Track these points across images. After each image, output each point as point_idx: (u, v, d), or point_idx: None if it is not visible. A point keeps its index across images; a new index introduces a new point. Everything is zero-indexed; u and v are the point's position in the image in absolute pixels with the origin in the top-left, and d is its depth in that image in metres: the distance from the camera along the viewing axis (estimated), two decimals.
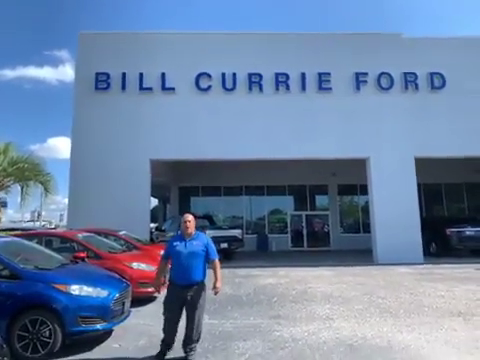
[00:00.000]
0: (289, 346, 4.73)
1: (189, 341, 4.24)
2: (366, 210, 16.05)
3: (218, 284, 4.32)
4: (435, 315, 6.01)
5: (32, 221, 38.90)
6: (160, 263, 4.59)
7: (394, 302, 6.93)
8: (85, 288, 4.73)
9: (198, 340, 4.33)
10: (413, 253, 12.46)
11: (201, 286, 4.27)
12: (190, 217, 4.39)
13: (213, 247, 4.41)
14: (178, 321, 4.26)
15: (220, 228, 14.98)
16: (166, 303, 4.27)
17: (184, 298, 4.16)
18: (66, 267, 5.43)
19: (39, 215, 38.48)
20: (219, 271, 4.37)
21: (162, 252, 4.73)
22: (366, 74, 13.75)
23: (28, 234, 8.37)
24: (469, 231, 13.89)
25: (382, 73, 13.80)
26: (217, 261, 4.40)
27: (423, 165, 13.54)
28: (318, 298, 7.36)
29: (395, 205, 12.83)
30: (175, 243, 4.32)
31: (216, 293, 4.35)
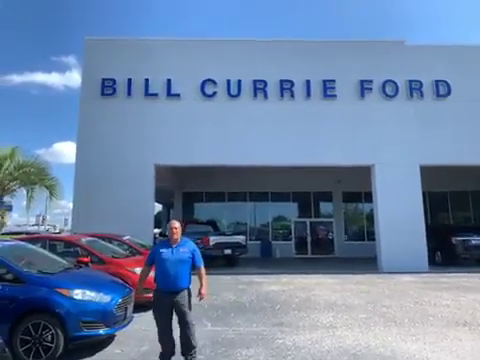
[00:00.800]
0: (292, 354, 4.69)
1: (187, 348, 4.18)
2: (371, 218, 15.98)
3: (203, 290, 4.28)
4: (440, 325, 5.94)
5: (37, 225, 39.06)
6: (143, 269, 4.53)
7: (398, 311, 6.86)
8: (88, 293, 4.73)
9: (195, 346, 4.23)
10: (418, 261, 12.35)
11: (186, 292, 4.24)
12: (177, 224, 4.37)
13: (199, 254, 4.40)
14: (170, 330, 4.20)
15: (224, 234, 14.95)
16: (155, 312, 4.23)
17: (171, 304, 4.13)
18: (69, 272, 5.44)
19: (44, 219, 38.68)
20: (205, 278, 4.36)
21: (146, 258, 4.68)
22: (371, 81, 13.76)
23: (32, 238, 8.40)
24: (475, 240, 13.75)
25: (387, 81, 13.80)
26: (203, 268, 4.37)
27: (428, 173, 13.47)
28: (321, 306, 7.30)
29: (400, 213, 12.75)
30: (161, 250, 4.28)
31: (200, 299, 4.28)
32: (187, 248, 4.31)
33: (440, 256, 14.15)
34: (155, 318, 4.22)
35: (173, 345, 4.23)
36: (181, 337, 4.19)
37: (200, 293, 4.27)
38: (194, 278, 4.41)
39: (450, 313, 6.67)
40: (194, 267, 4.33)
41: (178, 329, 4.21)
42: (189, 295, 4.28)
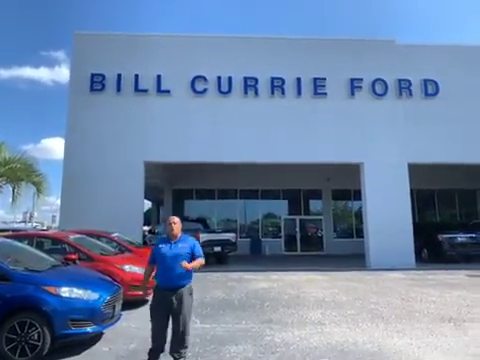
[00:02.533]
0: (280, 351, 4.72)
1: (176, 347, 4.12)
2: (359, 215, 16.14)
3: (190, 264, 4.05)
4: (426, 321, 6.04)
5: (24, 222, 38.50)
6: (146, 267, 4.50)
7: (386, 307, 6.95)
8: (75, 290, 4.68)
9: (186, 346, 4.19)
10: (405, 258, 12.53)
11: (187, 290, 4.17)
12: (175, 219, 4.32)
13: (200, 249, 4.30)
14: (165, 327, 4.14)
15: (213, 231, 14.97)
16: (151, 308, 4.19)
17: (169, 302, 4.05)
18: (57, 269, 5.38)
19: (31, 216, 38.15)
20: (196, 263, 4.14)
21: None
22: (361, 80, 13.86)
23: (19, 235, 8.28)
24: (461, 237, 14.00)
25: (377, 79, 13.91)
26: (202, 260, 4.23)
27: (416, 171, 13.65)
28: (310, 303, 7.36)
29: (388, 211, 12.90)
30: (160, 245, 4.24)
31: (182, 266, 3.99)
32: (187, 244, 4.24)
33: (427, 253, 14.38)
34: (151, 314, 4.17)
35: (164, 343, 4.18)
36: (173, 336, 4.13)
37: (185, 264, 4.00)
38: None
39: (436, 309, 6.78)
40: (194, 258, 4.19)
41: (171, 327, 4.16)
42: (190, 293, 4.20)
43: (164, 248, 4.19)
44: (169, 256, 4.11)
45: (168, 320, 4.15)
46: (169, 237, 4.29)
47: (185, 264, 4.01)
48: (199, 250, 4.30)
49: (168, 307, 4.07)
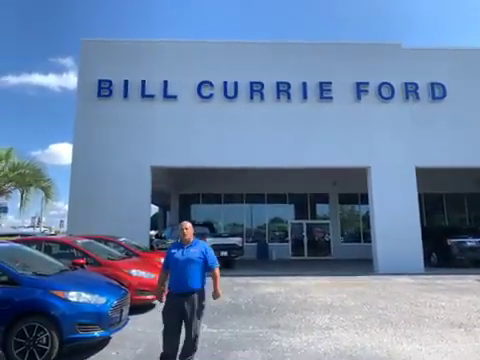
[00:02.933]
0: (288, 356, 4.68)
1: (186, 352, 4.12)
2: (367, 219, 16.03)
3: (217, 288, 4.25)
4: (436, 326, 5.96)
5: (32, 227, 38.82)
6: (161, 272, 4.51)
7: (394, 312, 6.87)
8: (83, 295, 4.70)
9: (194, 351, 4.18)
10: (414, 263, 12.40)
11: (199, 295, 4.15)
12: (188, 224, 4.33)
13: (212, 255, 4.30)
14: (178, 333, 4.10)
15: (220, 236, 14.95)
16: (164, 313, 4.16)
17: (181, 307, 4.04)
18: (65, 273, 5.41)
19: (39, 221, 38.44)
20: (218, 281, 4.27)
21: (162, 260, 4.67)
22: (367, 83, 13.82)
23: (27, 240, 8.35)
24: (470, 242, 13.83)
25: (383, 83, 13.87)
26: (217, 270, 4.28)
27: (424, 175, 13.53)
28: (318, 308, 7.30)
29: (396, 215, 12.80)
30: (173, 250, 4.26)
31: (215, 298, 4.29)
32: (198, 248, 4.25)
33: (436, 258, 14.22)
34: (163, 319, 4.15)
35: (177, 348, 4.12)
36: (186, 341, 4.11)
37: (215, 292, 4.25)
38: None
39: (445, 315, 6.69)
40: (208, 269, 4.25)
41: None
42: (201, 299, 4.18)
43: (177, 253, 4.21)
44: (181, 261, 4.13)
45: (181, 325, 4.12)
46: (182, 242, 4.31)
47: (218, 293, 4.26)
48: (213, 258, 4.30)
49: (181, 312, 4.06)
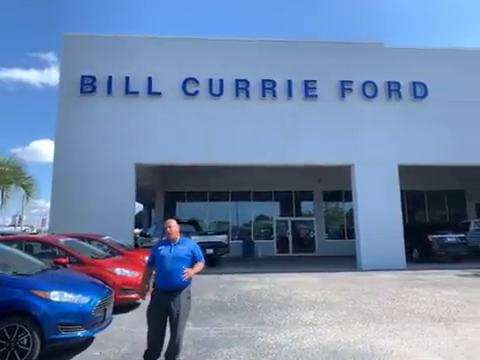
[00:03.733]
0: (273, 353, 4.72)
1: (171, 350, 4.09)
2: (351, 216, 16.26)
3: (190, 270, 4.08)
4: (417, 320, 6.09)
5: (13, 226, 37.99)
6: (145, 269, 4.48)
7: (377, 308, 7.00)
8: (66, 294, 4.61)
9: (178, 352, 4.14)
10: (396, 259, 12.63)
11: (185, 293, 4.14)
12: (172, 222, 4.30)
13: (200, 252, 4.32)
14: (162, 332, 4.08)
15: (205, 234, 14.93)
16: (149, 311, 4.13)
17: (167, 304, 4.02)
18: (47, 273, 5.30)
19: (20, 219, 37.66)
20: (197, 269, 4.20)
21: (147, 258, 4.62)
22: (351, 82, 13.98)
23: (8, 239, 8.15)
24: (450, 238, 14.19)
25: (366, 81, 14.05)
26: (201, 263, 4.28)
27: (406, 172, 13.79)
28: (303, 304, 7.37)
29: (379, 212, 13.01)
30: (160, 248, 4.23)
31: (184, 276, 4.03)
32: (186, 246, 4.24)
33: (417, 254, 14.54)
34: (148, 317, 4.11)
35: (162, 346, 4.09)
36: (171, 339, 4.08)
37: (186, 272, 4.05)
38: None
39: (426, 309, 6.85)
40: (195, 263, 4.21)
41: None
42: (188, 297, 4.17)
43: (164, 250, 4.17)
44: (169, 258, 4.10)
45: (166, 323, 4.09)
46: (168, 240, 4.29)
47: (186, 271, 4.04)
48: (200, 253, 4.31)
49: (166, 309, 4.03)
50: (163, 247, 4.21)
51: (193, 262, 4.21)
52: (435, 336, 5.29)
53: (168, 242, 4.26)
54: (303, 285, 9.58)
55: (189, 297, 4.21)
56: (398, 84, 14.12)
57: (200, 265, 4.25)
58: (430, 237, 14.16)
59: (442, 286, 9.20)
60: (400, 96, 14.08)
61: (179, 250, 4.17)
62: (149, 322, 4.10)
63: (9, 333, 4.20)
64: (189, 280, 4.19)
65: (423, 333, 5.42)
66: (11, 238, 8.50)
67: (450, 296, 7.98)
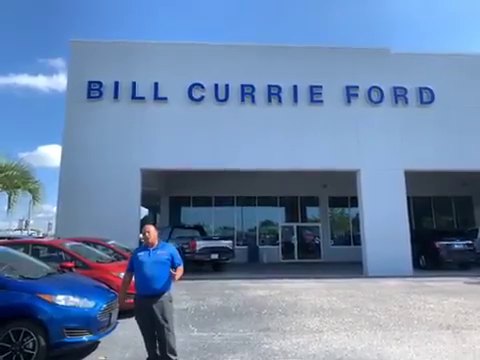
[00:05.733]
0: (278, 359, 4.67)
1: (164, 356, 4.04)
2: (357, 222, 16.17)
3: (176, 275, 4.09)
4: (424, 328, 6.01)
5: (20, 230, 38.23)
6: (124, 275, 4.44)
7: (384, 315, 6.92)
8: (71, 298, 4.62)
9: (175, 353, 4.10)
10: (403, 266, 12.52)
11: (166, 297, 4.13)
12: (150, 228, 4.31)
13: (179, 256, 4.33)
14: (154, 335, 4.10)
15: (210, 239, 14.88)
16: (136, 318, 4.15)
17: (150, 310, 4.02)
18: (52, 277, 5.32)
19: (27, 224, 37.90)
20: (180, 273, 4.18)
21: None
22: (357, 87, 13.97)
23: (14, 242, 8.21)
24: (458, 244, 14.03)
25: (372, 87, 14.03)
26: (181, 267, 4.25)
27: (413, 178, 13.70)
28: (308, 310, 7.31)
29: (385, 218, 12.91)
30: (139, 253, 4.23)
31: (173, 279, 4.10)
32: (166, 251, 4.25)
33: (424, 260, 14.38)
34: (138, 324, 4.14)
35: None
36: (160, 344, 4.07)
37: (172, 276, 4.08)
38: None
39: (434, 316, 6.75)
40: (173, 267, 4.21)
41: None
42: (170, 300, 4.17)
43: (142, 256, 4.18)
44: (148, 263, 4.11)
45: (154, 327, 4.10)
46: (146, 245, 4.29)
47: (174, 274, 4.07)
48: (179, 257, 4.32)
49: (150, 315, 4.03)
50: (142, 253, 4.22)
51: (172, 266, 4.19)
52: (443, 344, 5.21)
53: (146, 248, 4.27)
54: (308, 291, 9.51)
55: (171, 301, 4.21)
56: (405, 89, 14.08)
57: (181, 269, 4.26)
58: (437, 244, 13.99)
59: (450, 293, 9.08)
60: (406, 101, 14.03)
61: (158, 255, 4.18)
62: (141, 329, 4.14)
63: (15, 337, 4.22)
64: (169, 284, 4.19)
65: (431, 341, 5.34)
66: (18, 242, 8.57)
67: (458, 304, 7.87)
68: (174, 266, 4.21)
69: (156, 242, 4.30)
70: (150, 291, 4.06)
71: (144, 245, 4.34)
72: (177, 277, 4.13)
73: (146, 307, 4.04)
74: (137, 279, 4.16)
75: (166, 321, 4.05)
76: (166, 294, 4.14)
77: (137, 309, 4.14)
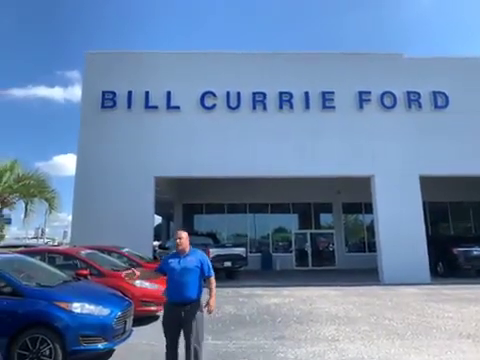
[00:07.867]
0: None
1: None
2: (371, 229, 15.91)
3: (211, 301, 4.15)
4: (444, 337, 5.86)
5: (36, 238, 38.78)
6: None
7: (401, 323, 6.77)
8: (87, 306, 4.66)
9: None
10: (420, 273, 12.25)
11: (196, 305, 4.08)
12: (182, 234, 4.30)
13: (209, 264, 4.28)
14: (177, 343, 4.07)
15: (223, 246, 14.87)
16: (163, 323, 4.14)
17: (179, 317, 3.99)
18: (68, 284, 5.38)
19: (43, 232, 38.43)
20: (214, 289, 4.23)
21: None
22: (369, 93, 13.87)
23: (31, 251, 8.33)
24: (477, 251, 13.67)
25: (385, 92, 13.91)
26: (212, 278, 4.26)
27: (428, 183, 13.48)
28: (323, 319, 7.21)
29: (401, 224, 12.71)
30: (170, 260, 4.24)
31: (209, 311, 4.16)
32: (195, 257, 4.22)
33: (442, 267, 14.04)
34: (163, 328, 4.12)
35: (176, 359, 4.06)
36: (186, 352, 4.01)
37: (208, 304, 4.14)
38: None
39: (453, 325, 6.58)
40: (204, 277, 4.21)
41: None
42: (199, 309, 4.10)
43: (173, 262, 4.18)
44: (178, 270, 4.10)
45: (179, 335, 4.07)
46: (178, 252, 4.29)
47: (210, 307, 4.13)
48: (209, 266, 4.26)
49: (178, 322, 4.01)
50: (173, 260, 4.22)
51: (202, 274, 4.18)
52: (463, 353, 5.07)
53: (177, 254, 4.27)
54: (323, 299, 9.39)
55: (201, 309, 4.15)
56: (418, 94, 13.92)
57: (213, 282, 4.25)
58: (455, 250, 13.66)
59: (469, 301, 8.85)
60: (420, 106, 13.87)
61: (188, 261, 4.17)
62: (165, 334, 4.11)
63: (32, 344, 4.27)
64: (201, 291, 4.16)
65: (451, 350, 5.20)
66: (34, 250, 8.69)
67: (478, 312, 7.66)
68: (204, 275, 4.19)
69: (187, 249, 4.28)
70: (179, 298, 4.03)
71: (176, 251, 4.34)
72: (212, 303, 4.15)
73: (175, 314, 4.02)
74: (168, 286, 4.17)
75: (195, 328, 4.00)
76: (196, 302, 4.09)
77: (165, 314, 4.15)
